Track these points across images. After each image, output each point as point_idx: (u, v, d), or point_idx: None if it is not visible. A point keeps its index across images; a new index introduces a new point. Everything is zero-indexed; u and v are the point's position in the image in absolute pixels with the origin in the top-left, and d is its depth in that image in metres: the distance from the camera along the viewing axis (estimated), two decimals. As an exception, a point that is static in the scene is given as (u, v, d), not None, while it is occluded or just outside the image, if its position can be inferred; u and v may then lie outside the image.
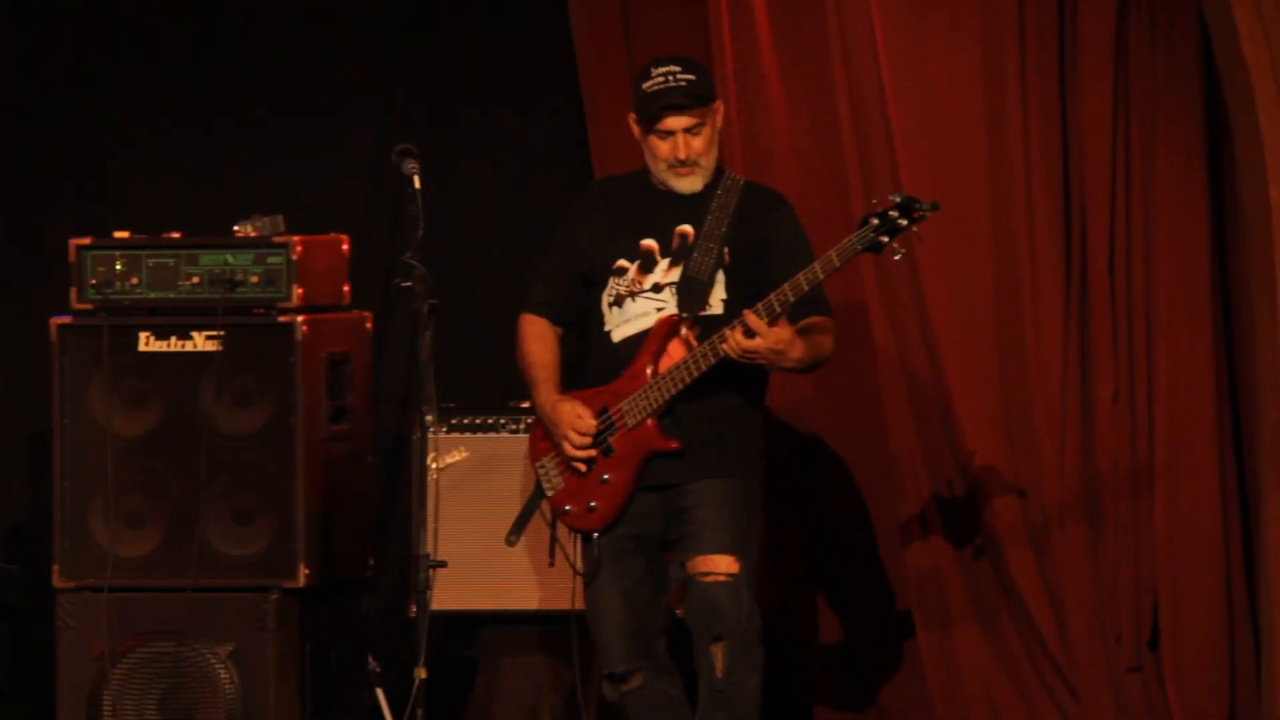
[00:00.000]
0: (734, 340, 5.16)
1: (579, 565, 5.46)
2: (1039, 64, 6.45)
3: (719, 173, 5.46)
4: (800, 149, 6.63)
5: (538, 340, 5.49)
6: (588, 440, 5.32)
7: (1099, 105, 6.42)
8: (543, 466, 5.45)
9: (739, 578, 5.25)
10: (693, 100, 5.32)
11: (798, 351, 5.22)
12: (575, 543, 5.49)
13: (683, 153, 5.33)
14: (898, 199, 5.21)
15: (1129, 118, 6.44)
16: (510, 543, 5.58)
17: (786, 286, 5.17)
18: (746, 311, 5.17)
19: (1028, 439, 6.55)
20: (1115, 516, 6.48)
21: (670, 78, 5.33)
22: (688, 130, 5.33)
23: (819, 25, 6.51)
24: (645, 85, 5.35)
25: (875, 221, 5.19)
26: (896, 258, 5.30)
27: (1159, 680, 6.40)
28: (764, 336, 5.14)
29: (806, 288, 5.19)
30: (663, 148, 5.35)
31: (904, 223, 5.19)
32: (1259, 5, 5.87)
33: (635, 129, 5.42)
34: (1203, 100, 6.39)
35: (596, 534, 5.36)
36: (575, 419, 5.32)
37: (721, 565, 5.25)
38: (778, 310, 5.17)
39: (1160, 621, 6.42)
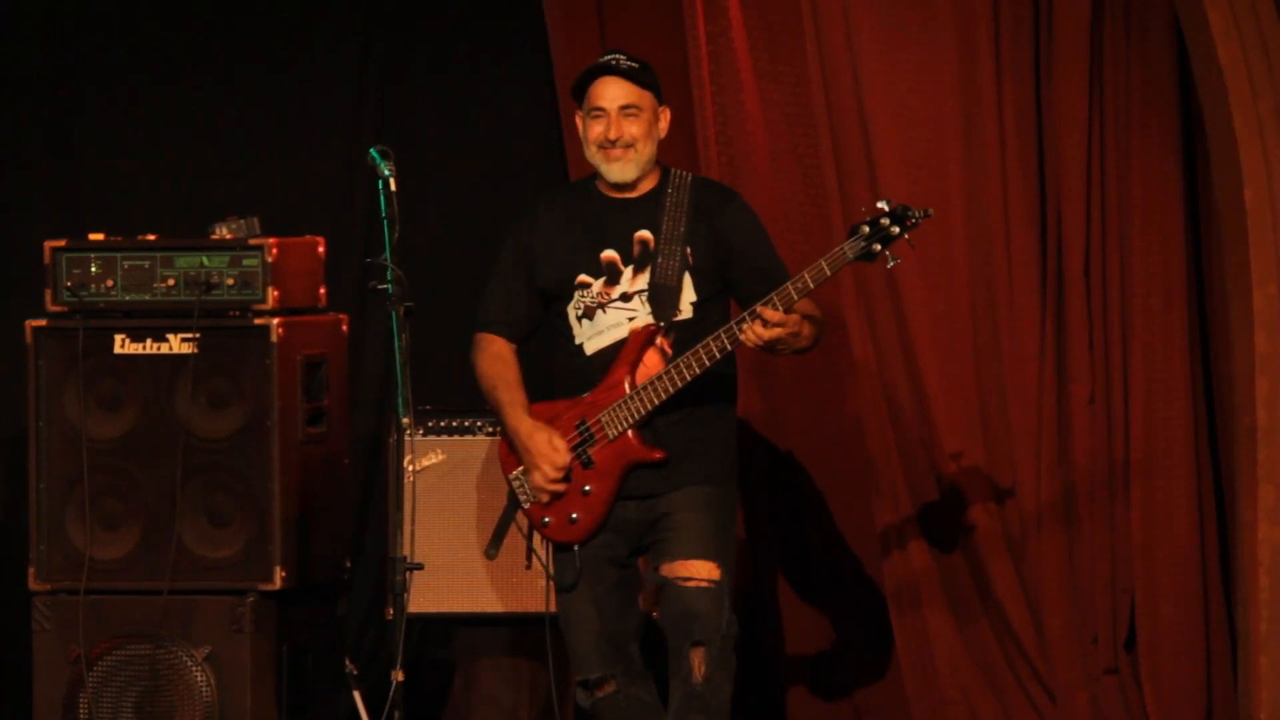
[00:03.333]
0: (752, 332, 5.12)
1: (552, 570, 5.43)
2: (1014, 65, 6.46)
3: (665, 172, 5.37)
4: (776, 150, 6.63)
5: (498, 360, 5.40)
6: (560, 475, 5.28)
7: (1075, 107, 6.42)
8: (517, 479, 5.39)
9: (719, 584, 5.23)
10: (629, 76, 5.26)
11: (808, 329, 5.21)
12: (547, 549, 5.46)
13: (614, 132, 5.23)
14: (889, 207, 5.15)
15: (1104, 119, 6.44)
16: (490, 556, 5.53)
17: (808, 275, 5.09)
18: (761, 308, 5.10)
19: (1004, 440, 6.55)
20: (1091, 518, 6.49)
21: (616, 61, 5.29)
22: (623, 109, 5.25)
23: (794, 26, 6.51)
24: (587, 69, 5.33)
25: (866, 230, 5.13)
26: (890, 265, 5.26)
27: (1136, 682, 6.41)
28: (783, 325, 5.12)
29: (813, 285, 5.14)
30: (595, 129, 5.26)
31: (896, 230, 5.12)
32: (1233, 7, 5.88)
33: (580, 125, 5.35)
34: (1178, 102, 6.40)
35: (578, 545, 5.35)
36: (551, 452, 5.27)
37: (702, 571, 5.23)
38: (794, 299, 5.11)
39: (1137, 623, 6.43)
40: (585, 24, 6.75)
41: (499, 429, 5.49)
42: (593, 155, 5.32)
